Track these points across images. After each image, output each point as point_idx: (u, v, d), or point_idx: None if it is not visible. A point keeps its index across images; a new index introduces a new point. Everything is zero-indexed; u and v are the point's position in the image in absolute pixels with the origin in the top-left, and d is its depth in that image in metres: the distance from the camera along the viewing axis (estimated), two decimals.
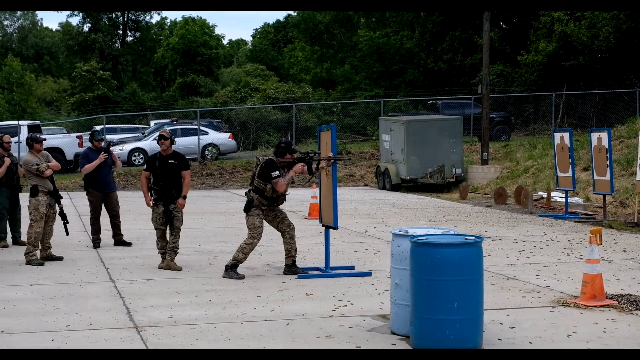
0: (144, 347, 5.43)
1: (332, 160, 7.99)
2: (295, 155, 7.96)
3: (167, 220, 8.47)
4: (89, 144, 10.23)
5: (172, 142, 8.59)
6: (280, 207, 8.18)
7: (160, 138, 8.53)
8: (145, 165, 8.74)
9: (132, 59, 49.67)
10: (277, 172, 7.80)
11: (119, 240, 10.22)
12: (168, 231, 8.61)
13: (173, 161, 8.52)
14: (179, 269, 8.43)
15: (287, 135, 29.14)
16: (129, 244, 10.18)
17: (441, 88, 31.49)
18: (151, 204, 8.60)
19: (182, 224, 8.60)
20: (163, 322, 6.13)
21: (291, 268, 8.10)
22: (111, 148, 10.34)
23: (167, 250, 8.51)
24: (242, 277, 7.87)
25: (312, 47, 41.77)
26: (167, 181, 8.44)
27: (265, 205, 7.96)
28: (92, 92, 41.09)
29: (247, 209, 7.93)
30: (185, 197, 8.57)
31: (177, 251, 8.58)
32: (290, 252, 8.07)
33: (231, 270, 7.93)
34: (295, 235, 8.09)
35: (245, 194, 8.14)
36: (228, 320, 6.18)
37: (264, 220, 8.00)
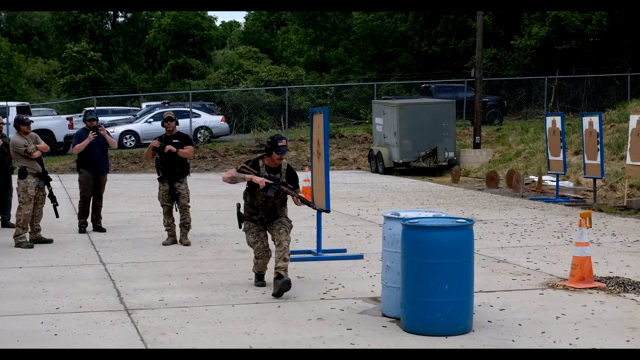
0: (134, 330, 5.43)
1: (298, 199, 6.60)
2: (264, 172, 6.55)
3: (173, 198, 8.87)
4: (83, 125, 10.15)
5: (177, 123, 9.04)
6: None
7: (166, 120, 8.92)
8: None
9: (123, 40, 49.15)
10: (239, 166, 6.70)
11: (95, 225, 9.96)
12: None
13: (177, 141, 8.90)
14: (188, 244, 8.83)
15: (279, 118, 29.01)
16: (103, 230, 9.89)
17: (434, 72, 31.41)
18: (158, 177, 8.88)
19: (188, 201, 8.99)
20: (154, 305, 6.12)
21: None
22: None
23: (179, 226, 8.95)
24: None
25: (306, 30, 41.48)
26: (171, 161, 8.82)
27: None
28: (82, 74, 40.70)
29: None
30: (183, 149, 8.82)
31: (188, 226, 8.98)
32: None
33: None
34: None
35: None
36: (219, 303, 6.18)
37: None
